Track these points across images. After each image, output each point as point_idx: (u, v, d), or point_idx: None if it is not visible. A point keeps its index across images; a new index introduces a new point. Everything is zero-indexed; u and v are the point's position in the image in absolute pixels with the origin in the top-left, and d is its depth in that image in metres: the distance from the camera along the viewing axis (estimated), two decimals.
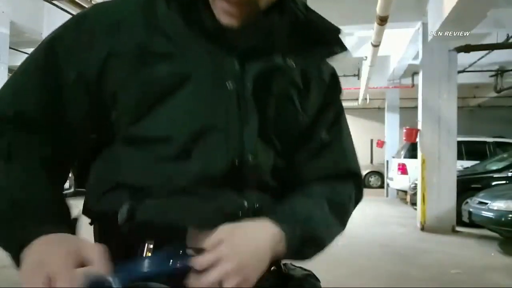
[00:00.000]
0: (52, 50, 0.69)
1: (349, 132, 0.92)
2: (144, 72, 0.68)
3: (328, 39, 0.81)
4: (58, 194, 0.67)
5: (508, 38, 8.24)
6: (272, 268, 0.74)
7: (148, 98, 0.68)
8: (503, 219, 5.67)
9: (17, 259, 0.58)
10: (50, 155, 0.68)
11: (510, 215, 5.59)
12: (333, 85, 0.87)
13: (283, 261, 0.79)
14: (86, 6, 5.96)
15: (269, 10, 0.71)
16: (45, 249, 0.54)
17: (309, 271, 0.83)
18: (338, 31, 0.81)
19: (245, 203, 0.72)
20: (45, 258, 0.53)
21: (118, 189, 0.70)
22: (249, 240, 0.65)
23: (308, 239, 0.74)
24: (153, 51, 0.68)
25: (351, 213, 0.86)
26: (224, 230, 0.64)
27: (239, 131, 0.71)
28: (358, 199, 0.88)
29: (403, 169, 10.43)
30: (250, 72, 0.72)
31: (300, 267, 0.83)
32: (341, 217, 0.82)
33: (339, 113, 0.88)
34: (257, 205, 0.73)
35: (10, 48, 8.41)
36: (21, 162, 0.65)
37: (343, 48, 0.82)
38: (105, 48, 0.68)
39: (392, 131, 12.76)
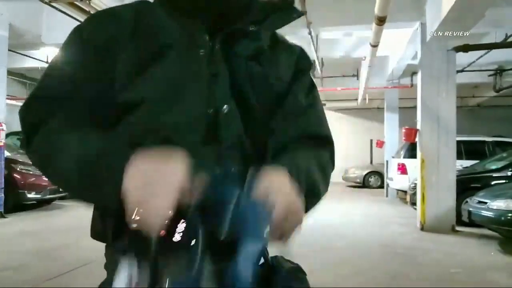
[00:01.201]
0: (79, 39, 0.84)
1: (320, 100, 0.97)
2: (133, 49, 0.80)
3: (281, 6, 0.89)
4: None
5: (506, 37, 8.26)
6: (261, 262, 0.76)
7: (139, 65, 0.79)
8: (502, 218, 5.68)
9: (111, 185, 0.64)
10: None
11: (510, 215, 5.60)
12: (304, 56, 0.96)
13: (272, 254, 0.83)
14: (85, 9, 5.97)
15: None
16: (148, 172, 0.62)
17: (296, 264, 0.85)
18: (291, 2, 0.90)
19: (219, 168, 0.78)
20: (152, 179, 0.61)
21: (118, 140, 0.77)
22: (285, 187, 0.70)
23: (310, 192, 0.78)
24: (140, 33, 0.82)
25: (330, 176, 0.90)
26: (264, 182, 0.68)
27: (211, 87, 0.81)
28: (333, 164, 0.93)
29: (402, 169, 10.43)
30: (218, 39, 0.82)
31: (288, 261, 0.85)
32: (326, 179, 0.87)
33: (313, 83, 0.95)
34: (233, 169, 0.79)
35: (9, 50, 8.40)
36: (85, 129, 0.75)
37: (297, 12, 0.90)
38: (112, 35, 0.82)
39: (391, 131, 12.77)
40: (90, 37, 0.82)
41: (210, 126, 0.79)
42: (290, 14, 0.89)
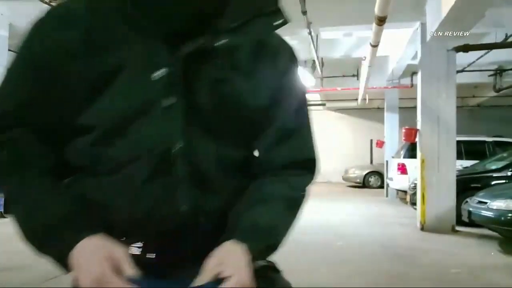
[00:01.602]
0: (28, 51, 0.78)
1: (310, 119, 0.91)
2: (84, 65, 0.73)
3: (265, 11, 0.78)
4: (70, 196, 0.76)
5: (506, 37, 8.26)
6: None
7: (86, 89, 0.73)
8: (502, 218, 5.67)
9: (62, 263, 0.69)
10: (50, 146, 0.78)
11: (510, 214, 5.59)
12: (291, 67, 0.86)
13: None
14: None
15: None
16: (87, 255, 0.66)
17: (269, 262, 0.85)
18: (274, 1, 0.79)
19: (179, 204, 0.75)
20: (89, 264, 0.64)
21: (65, 168, 0.79)
22: (237, 262, 0.71)
23: (272, 247, 0.80)
24: (92, 45, 0.73)
25: (305, 200, 0.88)
26: (214, 260, 0.70)
27: (163, 122, 0.73)
28: (311, 182, 0.92)
29: (402, 169, 10.43)
30: (180, 58, 0.73)
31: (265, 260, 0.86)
32: (297, 209, 0.86)
33: (301, 101, 0.88)
34: (184, 207, 0.75)
35: (9, 50, 8.40)
36: (35, 170, 0.76)
37: (283, 19, 0.79)
38: (62, 46, 0.74)
39: (391, 131, 12.77)
40: (40, 52, 0.76)
41: (159, 165, 0.73)
42: (275, 20, 0.78)
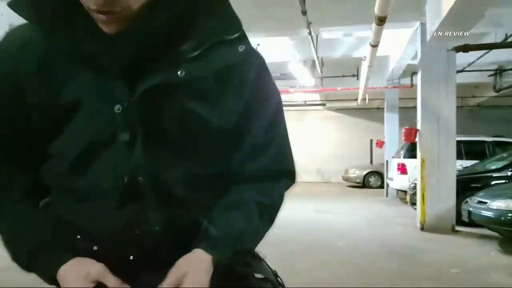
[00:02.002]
0: None
1: (286, 131, 0.91)
2: (42, 95, 0.75)
3: (228, 38, 0.79)
4: (47, 220, 0.81)
5: (506, 37, 8.25)
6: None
7: (48, 119, 0.76)
8: (502, 218, 5.67)
9: (50, 282, 0.77)
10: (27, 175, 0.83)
11: (510, 214, 5.59)
12: (259, 81, 0.84)
13: None
14: None
15: (149, 12, 0.70)
16: (70, 276, 0.73)
17: (263, 277, 0.87)
18: (234, 25, 0.80)
19: (151, 225, 0.77)
20: (74, 284, 0.72)
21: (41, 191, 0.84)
22: (197, 275, 0.73)
23: (240, 253, 0.81)
24: (48, 76, 0.75)
25: (280, 207, 0.89)
26: (175, 269, 0.73)
27: (126, 150, 0.75)
28: (289, 187, 0.92)
29: (402, 169, 10.43)
30: (137, 92, 0.73)
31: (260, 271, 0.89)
32: (270, 216, 0.86)
33: (274, 113, 0.87)
34: (157, 228, 0.77)
35: None
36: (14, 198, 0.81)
37: (247, 44, 0.81)
38: (18, 73, 0.77)
39: (391, 131, 12.76)
40: (2, 78, 0.78)
41: (127, 192, 0.76)
42: (239, 45, 0.80)
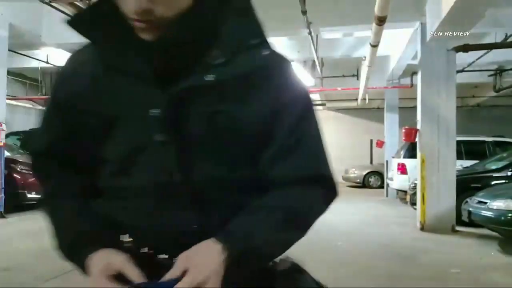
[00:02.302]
0: (53, 98, 0.92)
1: (318, 132, 0.89)
2: (92, 108, 0.84)
3: (253, 43, 0.83)
4: (93, 216, 0.87)
5: (506, 37, 8.26)
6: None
7: (97, 128, 0.85)
8: (502, 218, 5.67)
9: (81, 267, 0.81)
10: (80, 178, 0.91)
11: (510, 214, 5.59)
12: (285, 82, 0.86)
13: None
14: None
15: (182, 21, 0.77)
16: (93, 264, 0.77)
17: (294, 263, 0.87)
18: (259, 31, 0.85)
19: (188, 224, 0.80)
20: (93, 270, 0.77)
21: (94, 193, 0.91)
22: (202, 260, 0.73)
23: (249, 253, 0.76)
24: (97, 90, 0.84)
25: (313, 218, 0.86)
26: (183, 259, 0.73)
27: (162, 152, 0.80)
28: (329, 199, 0.88)
29: (402, 169, 10.43)
30: (170, 96, 0.79)
31: (289, 261, 0.87)
32: (299, 224, 0.83)
33: (301, 114, 0.86)
34: (194, 226, 0.80)
35: (9, 50, 8.40)
36: (67, 195, 0.90)
37: (270, 49, 0.85)
38: (76, 91, 0.87)
39: (391, 131, 12.77)
40: (60, 96, 0.90)
41: (163, 193, 0.81)
42: (263, 51, 0.84)
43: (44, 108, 0.96)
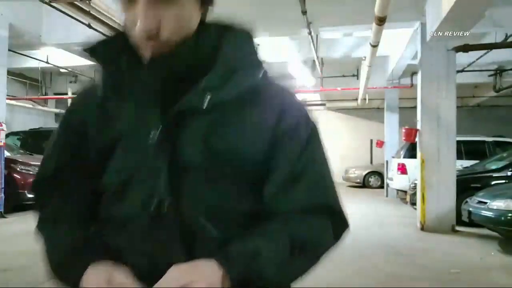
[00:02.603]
0: (60, 125, 0.95)
1: (324, 159, 0.85)
2: (95, 134, 0.86)
3: (248, 65, 0.82)
4: (87, 234, 0.86)
5: (506, 37, 8.26)
6: None
7: (98, 154, 0.85)
8: (502, 218, 5.68)
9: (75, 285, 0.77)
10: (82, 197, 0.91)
11: (510, 214, 5.60)
12: (287, 113, 0.82)
13: None
14: (85, 9, 5.97)
15: (184, 43, 0.78)
16: (91, 280, 0.74)
17: None
18: (255, 55, 0.84)
19: (177, 254, 0.75)
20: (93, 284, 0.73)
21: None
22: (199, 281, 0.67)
23: (252, 276, 0.71)
24: (101, 117, 0.85)
25: (322, 247, 0.81)
26: (173, 275, 0.68)
27: (154, 179, 0.78)
28: (339, 231, 0.83)
29: (402, 169, 10.43)
30: (168, 121, 0.78)
31: None
32: (306, 252, 0.78)
33: (305, 139, 0.82)
34: (183, 259, 0.73)
35: (9, 50, 8.41)
36: (66, 219, 0.88)
37: (265, 70, 0.83)
38: (83, 119, 0.89)
39: (391, 131, 12.77)
40: (69, 121, 0.93)
41: (154, 220, 0.77)
42: (259, 72, 0.82)
43: (52, 133, 0.97)
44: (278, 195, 0.79)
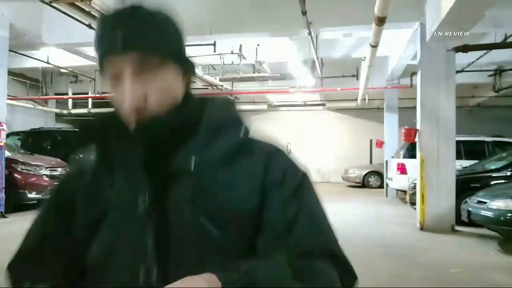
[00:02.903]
0: (48, 202, 0.93)
1: (318, 204, 0.84)
2: (82, 209, 0.85)
3: (230, 126, 0.84)
4: None
5: (506, 37, 8.27)
6: None
7: (88, 228, 0.83)
8: (502, 218, 5.69)
9: None
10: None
11: (509, 214, 5.61)
12: (274, 164, 0.82)
13: None
14: (85, 9, 5.98)
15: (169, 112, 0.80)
16: None
17: None
18: (237, 118, 0.86)
19: None
20: None
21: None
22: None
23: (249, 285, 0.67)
24: (91, 191, 0.85)
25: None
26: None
27: (142, 250, 0.76)
28: (346, 283, 0.77)
29: (402, 169, 10.45)
30: (154, 186, 0.78)
31: None
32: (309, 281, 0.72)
33: (297, 187, 0.81)
34: None
35: (9, 50, 8.42)
36: None
37: (248, 131, 0.85)
38: (73, 192, 0.88)
39: (391, 131, 12.79)
40: (55, 198, 0.92)
41: None
42: (240, 133, 0.83)
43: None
44: (272, 245, 0.76)
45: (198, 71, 10.27)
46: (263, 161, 0.82)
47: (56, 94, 15.14)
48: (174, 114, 0.80)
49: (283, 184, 0.80)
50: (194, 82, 0.89)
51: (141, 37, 0.77)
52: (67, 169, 0.98)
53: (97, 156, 0.87)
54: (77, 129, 0.90)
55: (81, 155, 0.96)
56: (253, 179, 0.80)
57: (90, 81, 13.75)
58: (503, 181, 7.37)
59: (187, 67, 0.84)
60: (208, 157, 0.79)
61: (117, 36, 0.76)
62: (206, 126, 0.82)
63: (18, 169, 8.72)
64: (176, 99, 0.81)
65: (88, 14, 6.08)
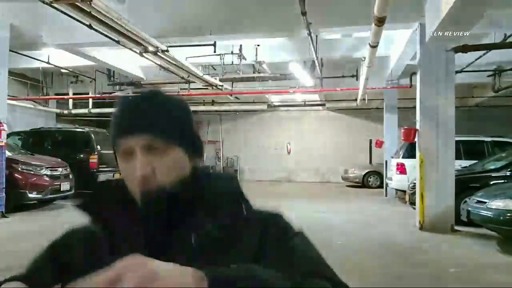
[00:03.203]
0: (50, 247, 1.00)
1: (315, 250, 0.89)
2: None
3: (231, 203, 0.88)
4: None
5: (505, 38, 8.28)
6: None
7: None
8: (501, 218, 5.70)
9: None
10: None
11: (509, 214, 5.62)
12: (272, 224, 0.89)
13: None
14: (86, 9, 5.99)
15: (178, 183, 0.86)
16: None
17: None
18: (237, 195, 0.90)
19: None
20: None
21: None
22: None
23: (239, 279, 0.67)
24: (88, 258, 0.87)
25: None
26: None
27: None
28: None
29: (401, 169, 10.46)
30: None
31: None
32: None
33: (293, 236, 0.88)
34: None
35: (10, 51, 8.43)
36: None
37: (250, 207, 0.90)
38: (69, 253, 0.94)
39: (390, 131, 12.81)
40: (56, 251, 0.97)
41: None
42: (242, 207, 0.88)
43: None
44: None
45: (199, 71, 10.29)
46: (261, 226, 0.88)
47: (56, 94, 15.14)
48: (179, 188, 0.86)
49: (280, 236, 0.87)
50: (203, 160, 0.96)
51: (152, 123, 0.85)
52: (65, 236, 1.00)
53: (98, 227, 0.90)
54: (77, 205, 0.92)
55: (78, 227, 0.99)
56: (251, 244, 0.85)
57: (90, 81, 13.78)
58: (502, 181, 7.38)
59: (195, 148, 0.92)
60: (210, 233, 0.83)
61: (132, 120, 0.86)
62: (208, 202, 0.87)
63: (19, 169, 8.73)
64: (183, 175, 0.88)
65: (89, 14, 6.09)
